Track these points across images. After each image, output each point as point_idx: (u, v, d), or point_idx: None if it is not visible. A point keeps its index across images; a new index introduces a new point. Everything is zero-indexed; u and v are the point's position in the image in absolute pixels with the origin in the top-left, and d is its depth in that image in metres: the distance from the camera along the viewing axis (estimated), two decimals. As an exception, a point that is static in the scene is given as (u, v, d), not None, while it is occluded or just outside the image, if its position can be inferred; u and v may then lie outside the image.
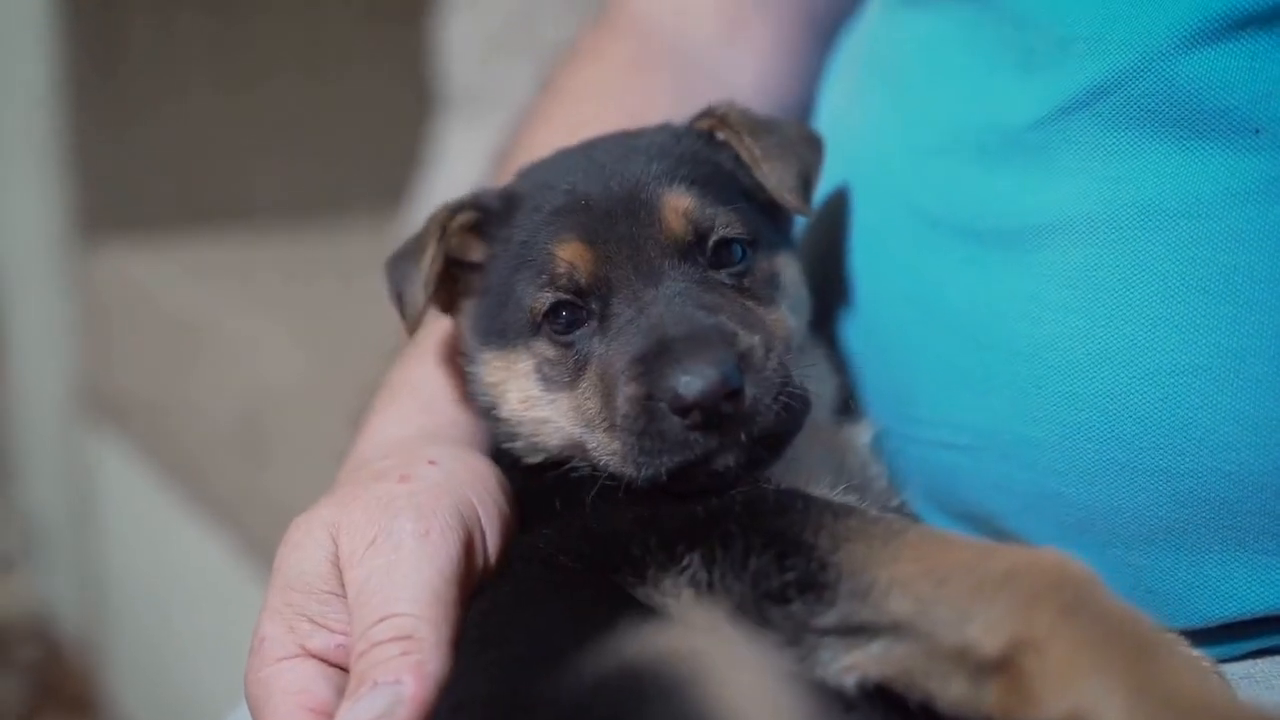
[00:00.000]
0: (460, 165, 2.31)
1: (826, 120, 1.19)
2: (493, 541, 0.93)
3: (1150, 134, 0.91)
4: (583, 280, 0.94)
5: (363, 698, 0.81)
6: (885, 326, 1.04)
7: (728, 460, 0.87)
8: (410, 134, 2.77)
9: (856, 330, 1.08)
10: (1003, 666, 0.74)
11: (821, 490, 0.91)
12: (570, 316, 0.95)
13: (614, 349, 0.91)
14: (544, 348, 0.96)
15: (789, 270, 1.01)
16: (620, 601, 0.83)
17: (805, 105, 1.29)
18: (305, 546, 0.90)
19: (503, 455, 1.00)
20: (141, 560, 2.75)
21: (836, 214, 1.11)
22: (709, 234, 0.95)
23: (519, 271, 0.97)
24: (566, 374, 0.95)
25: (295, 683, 0.85)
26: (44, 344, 3.00)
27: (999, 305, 0.96)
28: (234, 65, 2.85)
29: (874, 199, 1.07)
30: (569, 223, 0.96)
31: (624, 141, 1.03)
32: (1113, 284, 0.91)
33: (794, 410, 0.89)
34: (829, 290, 1.09)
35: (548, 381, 0.96)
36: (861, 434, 1.03)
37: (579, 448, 0.94)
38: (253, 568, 2.22)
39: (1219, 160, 0.89)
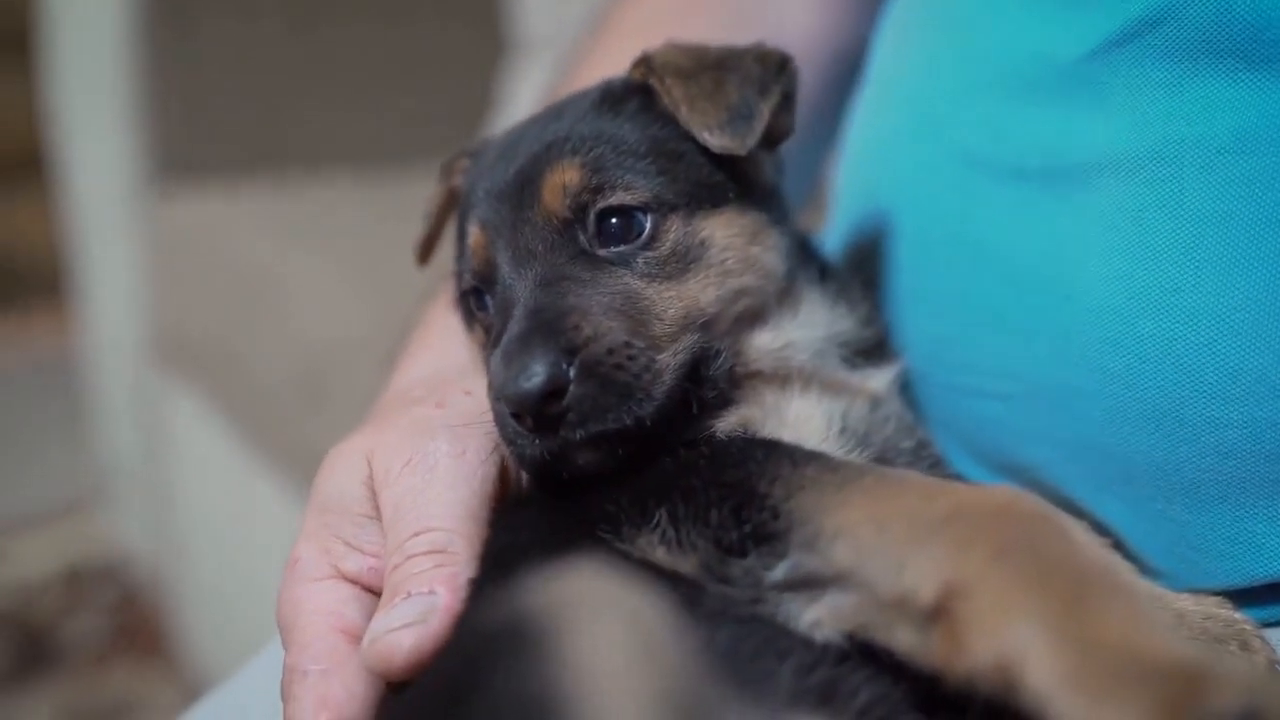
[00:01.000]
0: (531, 110, 2.30)
1: (879, 61, 1.18)
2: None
3: (1203, 66, 0.89)
4: (478, 266, 0.95)
5: (395, 607, 0.82)
6: (926, 269, 1.03)
7: (581, 458, 0.85)
8: (482, 80, 2.77)
9: (898, 272, 1.07)
10: (939, 614, 0.70)
11: (811, 436, 0.89)
12: (479, 301, 0.97)
13: (493, 342, 0.91)
14: (475, 329, 0.99)
15: (728, 230, 0.95)
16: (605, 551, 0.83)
17: (861, 53, 1.27)
18: (341, 470, 0.92)
19: None
20: (211, 504, 2.80)
21: (881, 156, 1.10)
22: (589, 207, 0.92)
23: (461, 244, 0.99)
24: (487, 358, 0.94)
25: (326, 603, 0.87)
26: (119, 289, 3.05)
27: (1042, 247, 0.94)
28: (308, 11, 2.88)
29: (920, 139, 1.05)
30: (479, 205, 0.96)
31: (551, 110, 1.01)
32: (1157, 223, 0.89)
33: (652, 408, 0.85)
34: (870, 232, 1.08)
35: (484, 365, 0.96)
36: (877, 378, 1.00)
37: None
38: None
39: (1273, 93, 0.86)
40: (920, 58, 1.09)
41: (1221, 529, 0.90)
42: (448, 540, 0.85)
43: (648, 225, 0.92)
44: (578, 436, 0.84)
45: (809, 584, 0.77)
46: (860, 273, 1.07)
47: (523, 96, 2.46)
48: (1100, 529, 0.94)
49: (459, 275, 0.99)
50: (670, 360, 0.87)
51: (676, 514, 0.81)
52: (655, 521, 0.82)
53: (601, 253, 0.92)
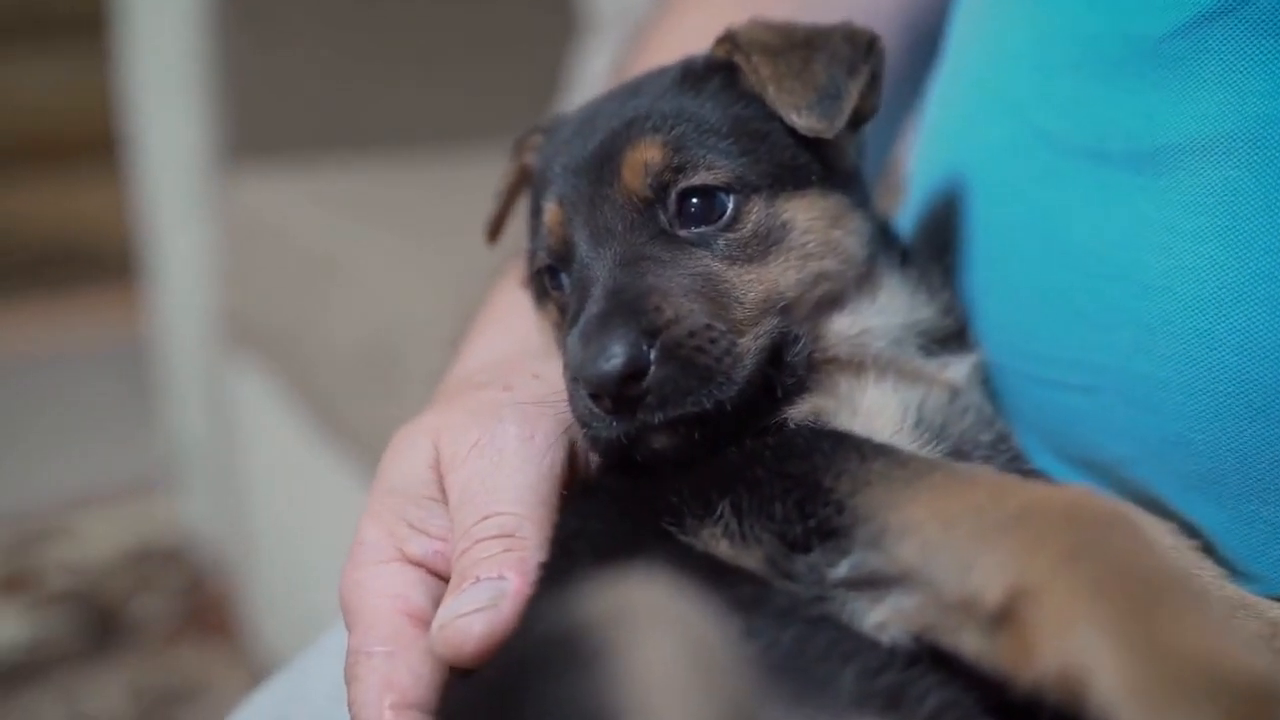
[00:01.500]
0: (602, 89, 2.30)
1: (955, 37, 1.15)
2: (595, 457, 0.94)
3: None
4: (555, 244, 0.94)
5: (465, 591, 0.82)
6: (1004, 255, 1.01)
7: (657, 441, 0.85)
8: (552, 58, 2.79)
9: (974, 259, 1.05)
10: (1007, 617, 0.69)
11: (885, 427, 0.88)
12: (554, 280, 0.96)
13: (569, 322, 0.91)
14: (549, 307, 0.98)
15: (810, 212, 0.94)
16: (668, 548, 0.82)
17: (939, 29, 1.25)
18: (407, 452, 0.93)
19: None
20: (278, 486, 2.83)
21: (957, 139, 1.08)
22: (670, 186, 0.91)
23: (534, 222, 0.99)
24: (562, 338, 0.94)
25: (391, 586, 0.87)
26: (189, 270, 3.08)
27: (1127, 233, 0.92)
28: (380, -11, 2.90)
29: (998, 120, 1.03)
30: (556, 182, 0.95)
31: (630, 86, 1.00)
32: (1253, 210, 0.86)
33: (734, 391, 0.85)
34: (946, 217, 1.06)
35: (558, 344, 0.96)
36: (957, 367, 0.98)
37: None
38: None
39: None
40: (998, 35, 1.06)
41: (1319, 531, 0.87)
42: (517, 524, 0.85)
43: (730, 206, 0.91)
44: (656, 420, 0.84)
45: (873, 582, 0.76)
46: (940, 259, 1.05)
47: (593, 74, 2.46)
48: (1188, 530, 0.92)
49: (532, 253, 0.99)
50: (751, 344, 0.87)
51: (740, 506, 0.81)
52: (718, 514, 0.81)
53: (682, 233, 0.91)
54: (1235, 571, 0.91)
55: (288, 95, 2.87)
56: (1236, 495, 0.90)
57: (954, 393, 0.96)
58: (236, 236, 2.86)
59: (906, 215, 1.18)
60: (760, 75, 0.94)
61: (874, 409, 0.90)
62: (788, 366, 0.89)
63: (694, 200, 0.91)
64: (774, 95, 0.93)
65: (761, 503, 0.80)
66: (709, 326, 0.85)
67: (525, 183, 1.05)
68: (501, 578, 0.82)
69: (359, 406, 2.40)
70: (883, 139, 1.32)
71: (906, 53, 1.27)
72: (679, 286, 0.87)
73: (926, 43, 1.27)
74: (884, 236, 1.01)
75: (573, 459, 0.91)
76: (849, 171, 1.00)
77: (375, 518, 0.90)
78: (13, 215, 4.89)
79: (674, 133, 0.92)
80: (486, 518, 0.86)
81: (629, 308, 0.84)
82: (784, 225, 0.93)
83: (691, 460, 0.85)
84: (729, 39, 0.98)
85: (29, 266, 4.79)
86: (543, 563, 0.85)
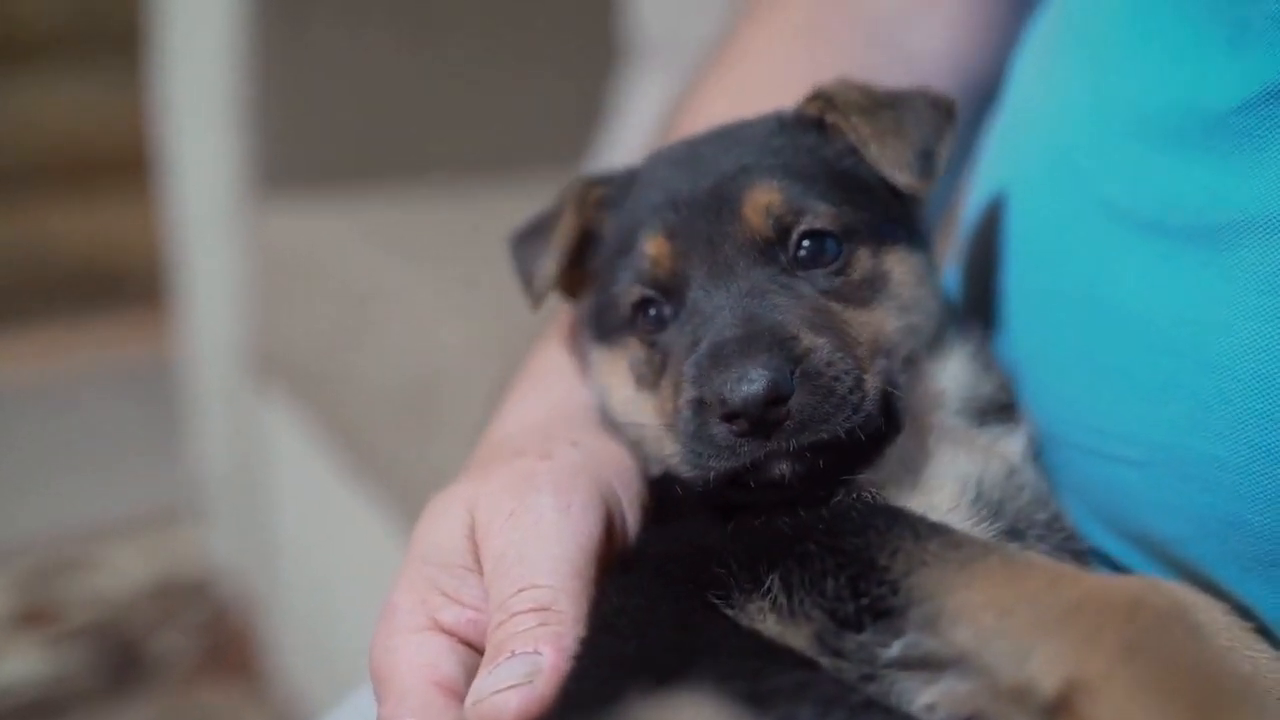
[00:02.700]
0: (646, 121, 2.32)
1: (1016, 97, 1.17)
2: (633, 527, 0.96)
3: None
4: (662, 277, 0.97)
5: (500, 666, 0.84)
6: (1057, 325, 1.02)
7: (781, 469, 0.88)
8: (595, 88, 2.80)
9: (1025, 327, 1.06)
10: (1061, 709, 0.71)
11: (943, 502, 0.90)
12: (652, 315, 0.98)
13: (683, 350, 0.94)
14: (635, 345, 0.99)
15: (902, 266, 1.00)
16: (713, 625, 0.84)
17: (995, 79, 1.27)
18: (442, 520, 0.95)
19: None
20: (306, 523, 2.83)
21: (1014, 201, 1.09)
22: (791, 229, 0.96)
23: (618, 261, 1.00)
24: (652, 373, 0.98)
25: (423, 655, 0.88)
26: (219, 297, 3.09)
27: (1187, 309, 0.93)
28: (418, 17, 2.90)
29: (1056, 186, 1.05)
30: (658, 217, 0.98)
31: (729, 132, 1.04)
32: None
33: (862, 420, 0.88)
34: (998, 282, 1.08)
35: (639, 381, 0.99)
36: (1011, 441, 1.01)
37: (662, 446, 0.96)
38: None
39: None
40: (1058, 98, 1.08)
41: (1380, 621, 0.88)
42: (553, 598, 0.87)
43: (841, 252, 0.97)
44: (792, 445, 0.87)
45: (926, 665, 0.78)
46: (987, 325, 1.07)
47: (638, 105, 2.47)
48: (1243, 612, 0.92)
49: (615, 290, 1.00)
50: (873, 381, 0.91)
51: (790, 581, 0.83)
52: (767, 587, 0.83)
53: (800, 274, 0.96)
54: (1294, 655, 0.92)
55: (325, 122, 2.88)
56: (1295, 579, 0.90)
57: (1010, 469, 0.98)
58: (269, 265, 2.87)
59: (959, 274, 1.19)
60: (861, 133, 1.00)
61: (934, 481, 0.93)
62: (894, 412, 0.92)
63: (808, 243, 0.96)
64: (876, 152, 1.00)
65: (813, 578, 0.82)
66: (843, 357, 0.89)
67: (581, 239, 1.07)
68: (537, 652, 0.84)
69: (391, 445, 2.41)
70: (940, 196, 1.33)
71: (967, 110, 1.28)
72: (809, 319, 0.92)
73: (989, 100, 1.29)
74: (948, 302, 1.05)
75: (610, 530, 0.93)
76: (926, 232, 1.06)
77: (408, 584, 0.93)
78: (42, 235, 4.92)
79: (788, 178, 0.97)
80: (522, 590, 0.87)
81: (770, 334, 0.89)
82: (885, 275, 0.99)
83: (808, 493, 0.88)
84: (821, 97, 1.03)
85: (57, 287, 4.82)
86: (584, 640, 0.86)
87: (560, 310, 1.17)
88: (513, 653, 0.84)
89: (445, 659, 0.89)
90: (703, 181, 0.98)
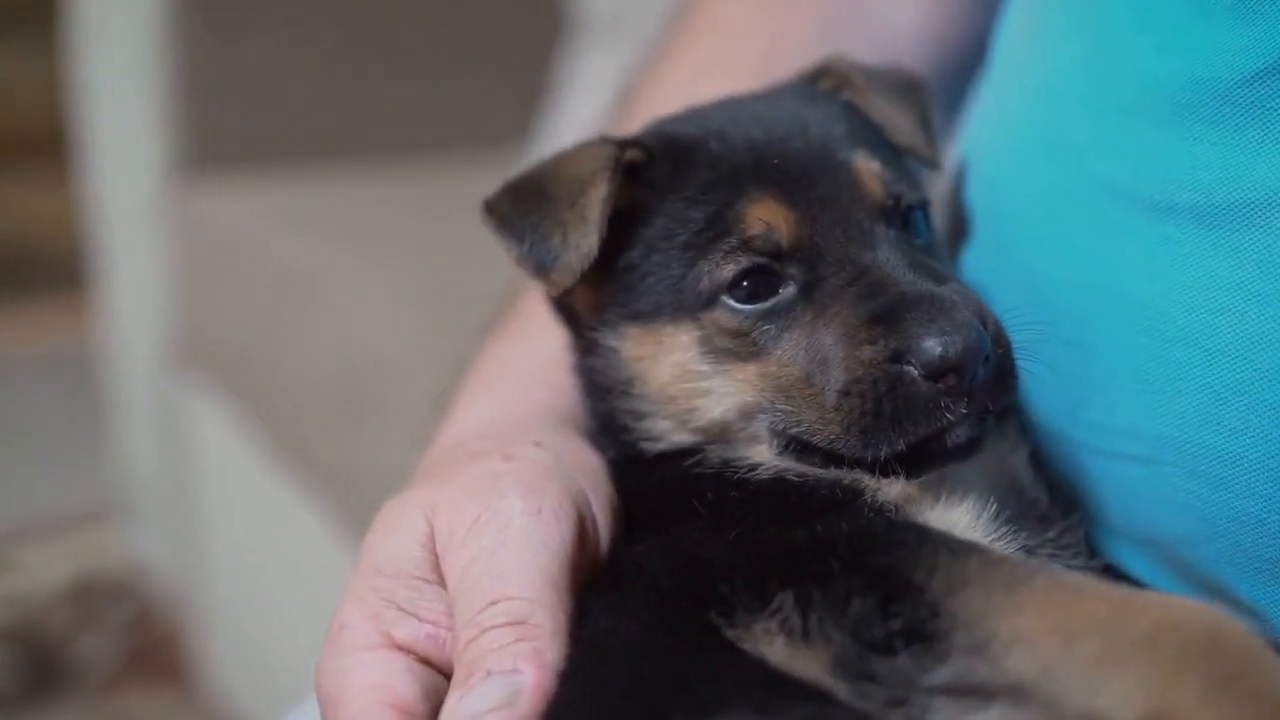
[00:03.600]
0: (597, 97, 2.30)
1: (1000, 71, 1.13)
2: (604, 532, 0.93)
3: None
4: (784, 243, 0.92)
5: (475, 688, 0.80)
6: (1055, 313, 0.98)
7: (963, 433, 0.87)
8: (540, 62, 2.76)
9: (1020, 316, 1.02)
10: None
11: (962, 518, 0.88)
12: (757, 282, 0.93)
13: (832, 313, 0.90)
14: (721, 318, 0.93)
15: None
16: (714, 650, 0.80)
17: (973, 50, 1.25)
18: (397, 528, 0.91)
19: (611, 448, 0.99)
20: (236, 519, 2.82)
21: (1004, 182, 1.06)
22: (900, 200, 0.96)
23: (688, 233, 0.95)
24: (749, 344, 0.93)
25: (376, 675, 0.84)
26: (143, 284, 3.07)
27: (1195, 295, 0.90)
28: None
29: (1050, 164, 1.01)
30: (761, 180, 0.94)
31: (774, 98, 1.02)
32: None
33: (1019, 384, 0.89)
34: (989, 268, 1.04)
35: (718, 354, 0.94)
36: (1019, 448, 0.98)
37: (749, 419, 0.93)
38: (350, 532, 2.25)
39: None
40: (1052, 69, 1.04)
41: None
42: (528, 610, 0.83)
43: (925, 224, 0.99)
44: (1000, 402, 0.88)
45: (974, 692, 0.75)
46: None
47: (590, 81, 2.45)
48: (1251, 616, 0.90)
49: (712, 260, 0.94)
50: None
51: (807, 600, 0.79)
52: (776, 607, 0.79)
53: (918, 242, 0.97)
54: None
55: (253, 98, 2.84)
56: (1312, 583, 0.88)
57: (1017, 483, 0.97)
58: (195, 250, 2.84)
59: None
60: (884, 112, 1.02)
61: (955, 496, 0.91)
62: None
63: (915, 215, 0.98)
64: (908, 132, 1.02)
65: (835, 598, 0.78)
66: (1002, 326, 0.90)
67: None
68: (516, 670, 0.80)
69: (325, 437, 2.39)
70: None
71: (945, 84, 1.26)
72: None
73: (969, 73, 1.26)
74: None
75: (582, 535, 0.89)
76: None
77: (359, 599, 0.88)
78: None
79: (876, 150, 0.98)
80: (494, 603, 0.83)
81: (958, 294, 0.88)
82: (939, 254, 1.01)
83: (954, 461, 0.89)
84: (834, 73, 1.05)
85: (-30, 270, 4.77)
86: (570, 663, 0.82)
87: (518, 300, 1.12)
88: (489, 672, 0.81)
89: (401, 679, 0.84)
90: (801, 144, 0.96)
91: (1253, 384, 0.88)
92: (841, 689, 0.77)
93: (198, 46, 2.78)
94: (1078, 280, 0.98)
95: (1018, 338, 0.91)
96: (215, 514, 2.89)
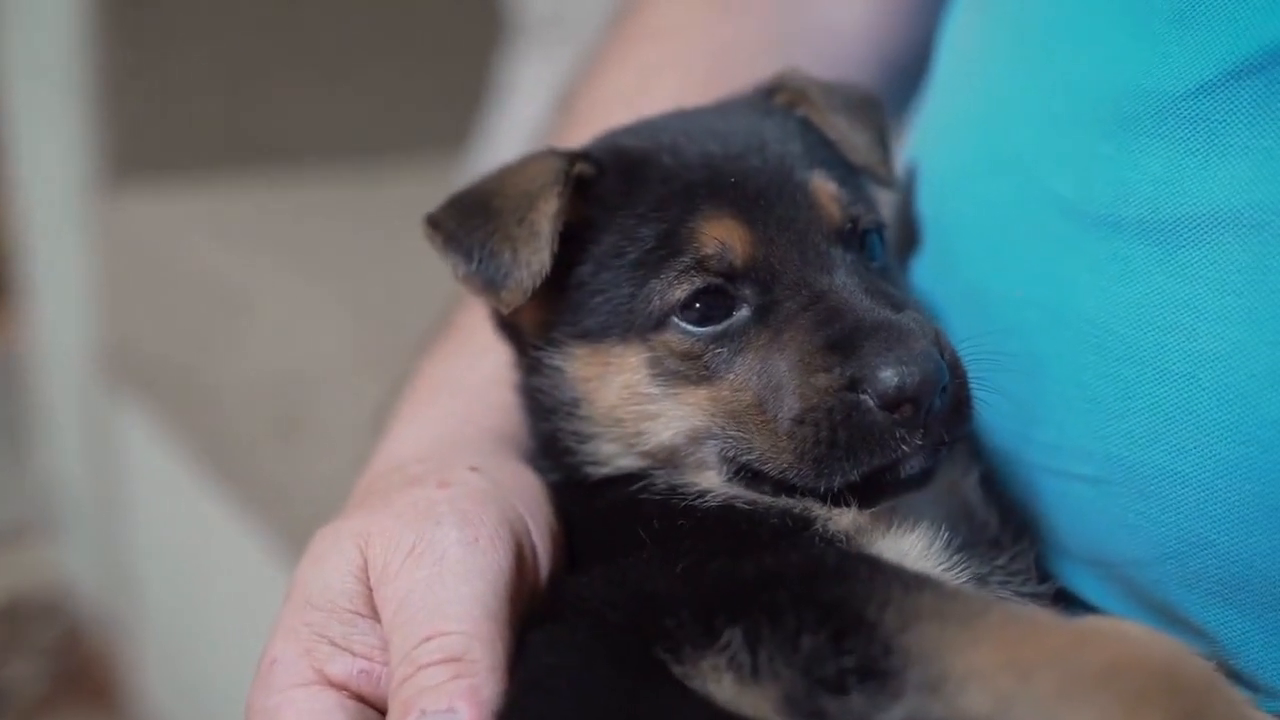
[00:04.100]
0: (534, 99, 2.29)
1: (945, 80, 1.13)
2: (544, 560, 0.92)
3: None
4: (738, 263, 0.92)
5: None
6: (1003, 330, 0.98)
7: (918, 464, 0.87)
8: (476, 65, 2.76)
9: (967, 334, 1.02)
10: None
11: (914, 548, 0.88)
12: (710, 304, 0.92)
13: (787, 338, 0.89)
14: (672, 340, 0.92)
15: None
16: (660, 688, 0.79)
17: (918, 51, 1.24)
18: (328, 559, 0.89)
19: (553, 471, 0.99)
20: (165, 537, 2.80)
21: (950, 196, 1.05)
22: (857, 222, 0.95)
23: (639, 250, 0.94)
24: (700, 367, 0.92)
25: (308, 714, 0.83)
26: (67, 295, 3.05)
27: (1143, 312, 0.90)
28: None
29: (997, 178, 1.01)
30: (717, 198, 0.93)
31: (726, 113, 1.02)
32: None
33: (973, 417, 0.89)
34: (938, 283, 1.04)
35: (669, 376, 0.93)
36: (970, 471, 0.98)
37: (698, 444, 0.92)
38: (283, 552, 2.24)
39: None
40: (995, 80, 1.04)
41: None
42: (465, 646, 0.82)
43: (880, 247, 0.99)
44: (956, 434, 0.88)
45: None
46: None
47: (528, 85, 2.44)
48: (1200, 638, 0.91)
49: (664, 279, 0.93)
50: None
51: (756, 635, 0.77)
52: (724, 643, 0.78)
53: (874, 265, 0.97)
54: (1256, 688, 0.90)
55: (180, 104, 2.81)
56: (1261, 604, 0.88)
57: (969, 506, 0.96)
58: (122, 259, 2.82)
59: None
60: (840, 130, 1.02)
61: (906, 523, 0.90)
62: None
63: (869, 238, 0.97)
64: (865, 149, 1.02)
65: (785, 634, 0.77)
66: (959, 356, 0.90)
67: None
68: (452, 710, 0.79)
69: (258, 452, 2.38)
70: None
71: (886, 89, 1.26)
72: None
73: (905, 81, 1.26)
74: None
75: (520, 563, 0.88)
76: None
77: (290, 634, 0.87)
78: None
79: (833, 170, 0.98)
80: (429, 639, 0.82)
81: (915, 322, 0.88)
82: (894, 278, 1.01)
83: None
84: (788, 88, 1.05)
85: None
86: (512, 702, 0.81)
87: (455, 317, 1.10)
88: (424, 711, 0.79)
89: (335, 717, 0.83)
90: (758, 163, 0.95)
91: (1201, 403, 0.88)
92: None
93: (121, 53, 2.75)
94: (1026, 296, 0.97)
95: (973, 367, 0.90)
96: (145, 531, 2.87)
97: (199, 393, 2.57)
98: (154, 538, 2.84)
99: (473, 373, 1.07)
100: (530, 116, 2.10)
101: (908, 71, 1.29)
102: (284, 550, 2.26)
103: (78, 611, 3.30)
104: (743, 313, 0.92)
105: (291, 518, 2.23)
